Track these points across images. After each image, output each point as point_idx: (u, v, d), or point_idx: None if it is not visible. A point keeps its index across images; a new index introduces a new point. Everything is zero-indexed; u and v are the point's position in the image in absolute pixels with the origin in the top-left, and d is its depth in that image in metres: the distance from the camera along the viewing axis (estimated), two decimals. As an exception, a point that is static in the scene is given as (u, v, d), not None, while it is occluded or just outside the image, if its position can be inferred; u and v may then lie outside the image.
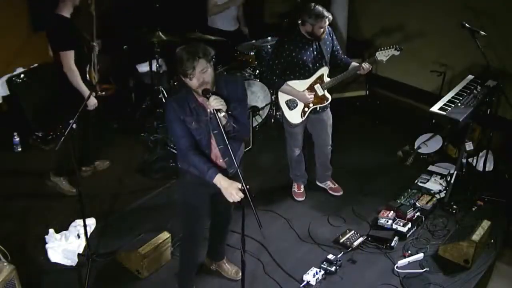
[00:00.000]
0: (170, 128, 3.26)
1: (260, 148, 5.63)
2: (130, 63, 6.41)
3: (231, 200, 3.14)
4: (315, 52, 4.27)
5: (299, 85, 4.35)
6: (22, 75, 5.70)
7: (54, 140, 5.53)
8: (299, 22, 4.19)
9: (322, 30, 4.13)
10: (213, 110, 3.07)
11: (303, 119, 4.45)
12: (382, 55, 4.32)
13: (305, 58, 4.24)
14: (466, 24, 4.40)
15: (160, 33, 5.53)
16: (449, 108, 4.45)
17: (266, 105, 5.87)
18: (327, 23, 4.12)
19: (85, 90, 4.42)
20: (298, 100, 4.40)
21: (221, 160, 3.38)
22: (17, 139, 5.52)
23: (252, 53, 5.89)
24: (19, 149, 5.55)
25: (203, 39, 5.70)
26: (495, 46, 5.20)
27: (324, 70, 4.35)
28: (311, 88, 4.37)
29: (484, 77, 4.84)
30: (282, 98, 4.44)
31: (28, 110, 5.67)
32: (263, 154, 5.57)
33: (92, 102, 4.55)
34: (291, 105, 4.42)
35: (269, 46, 5.85)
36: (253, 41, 6.10)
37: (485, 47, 4.48)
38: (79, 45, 4.45)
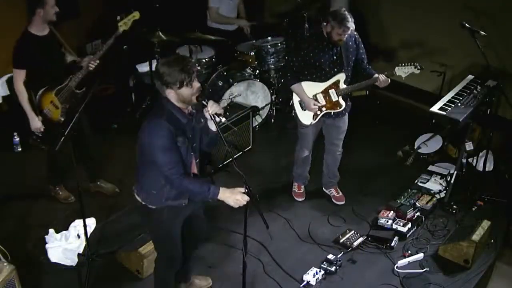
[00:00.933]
0: (164, 155, 2.99)
1: (260, 148, 5.63)
2: (130, 63, 6.41)
3: (237, 206, 3.08)
4: (334, 57, 4.19)
5: (314, 87, 4.28)
6: (22, 75, 5.69)
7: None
8: (324, 23, 4.11)
9: (339, 37, 4.04)
10: (212, 115, 3.04)
11: (314, 121, 4.39)
12: (401, 71, 4.22)
13: (322, 60, 4.17)
14: (466, 24, 4.39)
15: (160, 33, 5.53)
16: (449, 108, 4.46)
17: (266, 105, 5.87)
18: (347, 32, 4.02)
19: (30, 113, 4.25)
20: None
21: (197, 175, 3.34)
22: (17, 139, 5.52)
23: (252, 53, 5.89)
24: (19, 149, 5.55)
25: (203, 39, 5.72)
26: (495, 46, 5.20)
27: (341, 76, 4.25)
28: (325, 92, 4.29)
29: (484, 77, 4.84)
30: (296, 97, 4.39)
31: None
32: (262, 154, 5.57)
33: (35, 125, 4.30)
34: (304, 105, 4.37)
35: (269, 46, 5.85)
36: (253, 41, 6.11)
37: (485, 47, 4.47)
38: (42, 65, 4.20)
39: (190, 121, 3.13)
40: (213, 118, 3.05)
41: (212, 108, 3.04)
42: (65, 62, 4.42)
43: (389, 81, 4.22)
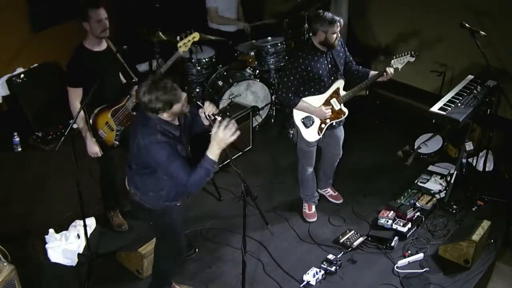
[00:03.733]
0: (170, 166, 3.02)
1: (259, 148, 5.62)
2: (130, 63, 6.40)
3: (233, 137, 2.93)
4: (329, 65, 4.13)
5: (315, 100, 4.19)
6: (22, 75, 5.70)
7: (54, 140, 5.53)
8: (311, 34, 4.08)
9: (335, 36, 3.99)
10: (209, 115, 3.10)
11: (320, 136, 4.30)
12: (397, 63, 4.16)
13: (320, 72, 4.09)
14: (466, 24, 4.40)
15: (160, 33, 5.53)
16: (449, 108, 4.46)
17: (266, 105, 5.88)
18: (339, 28, 3.99)
19: (88, 136, 3.91)
20: (314, 117, 4.24)
21: None
22: (17, 139, 5.51)
23: (252, 53, 5.89)
24: (19, 149, 5.54)
25: (203, 39, 5.71)
26: (495, 46, 5.20)
27: (340, 83, 4.21)
28: (327, 103, 4.22)
29: (484, 77, 4.84)
30: (298, 116, 4.23)
31: (28, 110, 5.68)
32: (262, 154, 5.57)
33: (93, 150, 3.96)
34: (307, 122, 4.25)
35: (269, 46, 5.85)
36: (253, 41, 6.11)
37: (485, 47, 4.47)
38: (95, 82, 3.73)
39: (182, 131, 3.20)
40: (209, 118, 3.11)
41: (208, 109, 3.11)
42: (121, 81, 4.17)
43: (392, 73, 4.13)
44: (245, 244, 3.24)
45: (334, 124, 4.33)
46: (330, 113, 4.24)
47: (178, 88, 3.03)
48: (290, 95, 4.12)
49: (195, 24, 5.87)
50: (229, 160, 5.10)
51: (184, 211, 3.52)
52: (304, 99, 4.17)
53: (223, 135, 2.92)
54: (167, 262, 3.61)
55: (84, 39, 3.92)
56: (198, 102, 3.13)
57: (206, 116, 3.13)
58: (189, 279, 4.00)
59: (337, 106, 4.25)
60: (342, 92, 4.23)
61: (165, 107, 3.01)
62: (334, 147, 4.53)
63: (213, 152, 2.99)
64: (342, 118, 4.33)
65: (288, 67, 4.18)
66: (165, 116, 3.08)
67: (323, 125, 4.28)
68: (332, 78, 4.18)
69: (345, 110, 4.31)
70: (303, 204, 4.72)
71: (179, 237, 3.50)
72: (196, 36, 4.13)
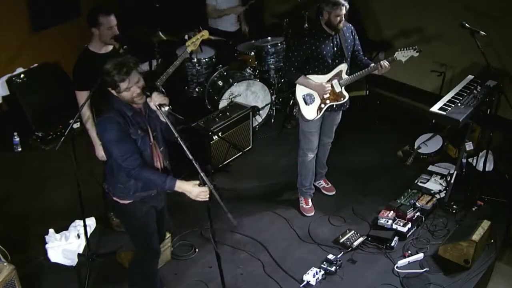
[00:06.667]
0: (117, 148, 3.05)
1: (259, 148, 5.62)
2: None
3: (202, 200, 3.14)
4: (335, 48, 4.23)
5: (317, 80, 4.30)
6: (22, 75, 5.71)
7: (54, 140, 5.53)
8: (320, 15, 4.16)
9: (338, 19, 4.07)
10: (157, 106, 3.06)
11: (319, 115, 4.38)
12: (401, 55, 4.25)
13: (324, 52, 4.20)
14: (466, 24, 4.40)
15: (160, 33, 5.53)
16: (449, 108, 4.46)
17: (266, 105, 5.87)
18: (344, 11, 4.06)
19: (95, 140, 3.96)
20: (315, 96, 4.33)
21: (164, 164, 3.33)
22: (17, 139, 5.52)
23: (252, 53, 5.89)
24: (19, 149, 5.55)
25: (203, 39, 5.72)
26: (495, 46, 5.20)
27: (343, 67, 4.30)
28: (328, 83, 4.31)
29: (484, 77, 4.84)
30: (300, 92, 4.36)
31: (28, 110, 5.68)
32: (262, 154, 5.56)
33: (100, 154, 3.98)
34: (308, 100, 4.34)
35: (269, 46, 5.85)
36: (253, 41, 6.10)
37: (485, 47, 4.47)
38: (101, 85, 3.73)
39: (138, 113, 3.15)
40: (158, 108, 3.07)
41: (155, 98, 3.06)
42: None
43: (389, 67, 4.21)
44: (213, 233, 3.29)
45: (334, 106, 4.40)
46: (330, 90, 4.31)
47: (135, 73, 3.04)
48: (292, 69, 4.26)
49: (195, 24, 5.89)
50: (228, 160, 5.16)
51: (157, 208, 3.47)
52: (307, 76, 4.28)
53: (195, 193, 3.11)
54: (146, 264, 3.55)
55: (89, 43, 3.91)
56: (146, 92, 3.07)
57: (156, 107, 3.07)
58: (189, 279, 4.00)
59: (338, 88, 4.33)
60: (345, 76, 4.32)
61: (113, 87, 3.01)
62: (328, 128, 4.58)
63: (180, 187, 3.12)
64: (342, 102, 4.40)
65: (295, 43, 4.32)
66: (124, 96, 3.05)
67: (322, 105, 4.36)
68: (337, 61, 4.27)
69: (346, 94, 4.38)
70: (300, 199, 4.75)
71: (153, 237, 3.45)
72: (205, 34, 4.12)
